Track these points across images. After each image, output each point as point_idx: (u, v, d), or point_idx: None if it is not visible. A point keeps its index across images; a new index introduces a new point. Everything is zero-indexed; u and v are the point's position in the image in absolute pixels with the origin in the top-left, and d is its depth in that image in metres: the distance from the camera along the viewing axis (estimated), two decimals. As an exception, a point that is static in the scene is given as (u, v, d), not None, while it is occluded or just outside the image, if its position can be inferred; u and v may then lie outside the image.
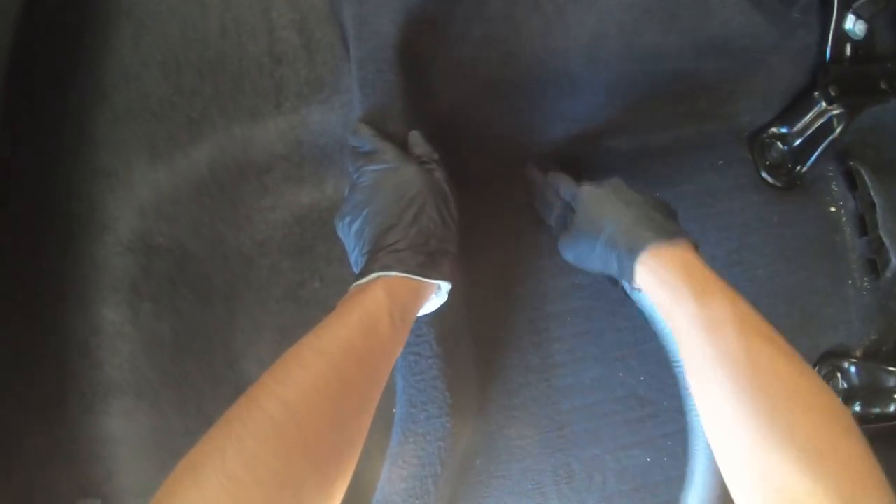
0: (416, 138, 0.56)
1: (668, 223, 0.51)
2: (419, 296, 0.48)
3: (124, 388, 0.66)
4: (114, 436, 0.66)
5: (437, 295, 0.51)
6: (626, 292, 0.53)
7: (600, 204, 0.53)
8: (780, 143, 0.75)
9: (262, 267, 0.69)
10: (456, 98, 0.64)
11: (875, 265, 0.76)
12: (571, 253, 0.56)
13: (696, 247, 0.49)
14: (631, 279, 0.49)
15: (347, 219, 0.51)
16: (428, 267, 0.47)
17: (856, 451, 0.37)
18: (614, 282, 0.54)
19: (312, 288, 0.69)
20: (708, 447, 0.50)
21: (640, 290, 0.49)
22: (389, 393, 0.59)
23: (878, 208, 0.75)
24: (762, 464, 0.37)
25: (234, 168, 0.68)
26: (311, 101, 0.66)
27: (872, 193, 0.74)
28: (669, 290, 0.45)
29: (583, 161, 0.69)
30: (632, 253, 0.48)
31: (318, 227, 0.69)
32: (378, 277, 0.45)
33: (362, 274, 0.46)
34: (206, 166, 0.68)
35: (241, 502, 0.31)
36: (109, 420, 0.66)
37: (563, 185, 0.59)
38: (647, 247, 0.47)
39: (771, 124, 0.76)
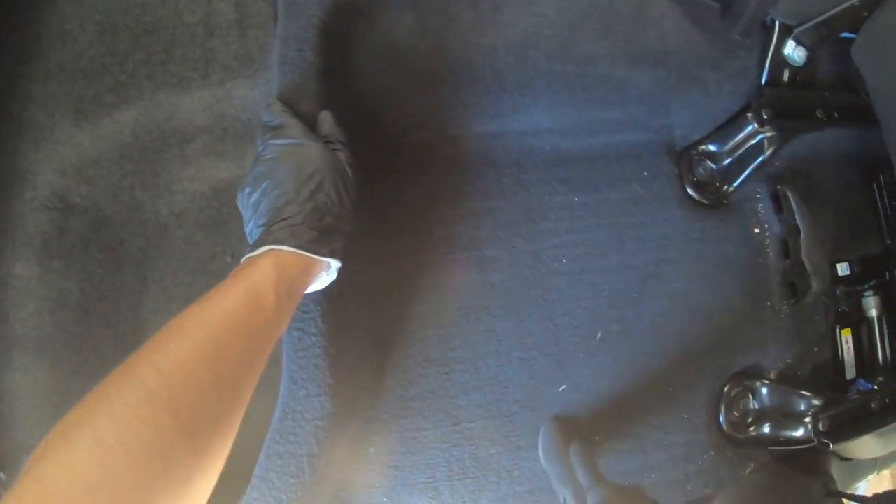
0: (325, 117, 0.56)
1: None
2: (308, 272, 0.48)
3: (26, 343, 0.66)
4: (13, 390, 0.66)
5: (326, 273, 0.52)
6: None
7: None
8: (709, 161, 0.75)
9: (176, 237, 0.69)
10: (380, 84, 0.64)
11: (795, 289, 0.76)
12: None
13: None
14: None
15: (247, 190, 0.51)
16: (320, 243, 0.48)
17: None
18: None
19: (224, 262, 0.68)
20: None
21: None
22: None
23: (802, 234, 0.75)
24: None
25: (158, 134, 0.68)
26: (238, 75, 0.66)
27: (798, 219, 0.75)
28: None
29: (503, 157, 0.69)
30: None
31: (235, 202, 0.69)
32: (269, 251, 0.45)
33: (255, 246, 0.46)
34: (129, 130, 0.68)
35: (108, 468, 0.31)
36: (10, 374, 0.66)
37: (584, 469, 0.60)
38: None
39: (702, 141, 0.76)
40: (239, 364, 0.41)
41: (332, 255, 0.49)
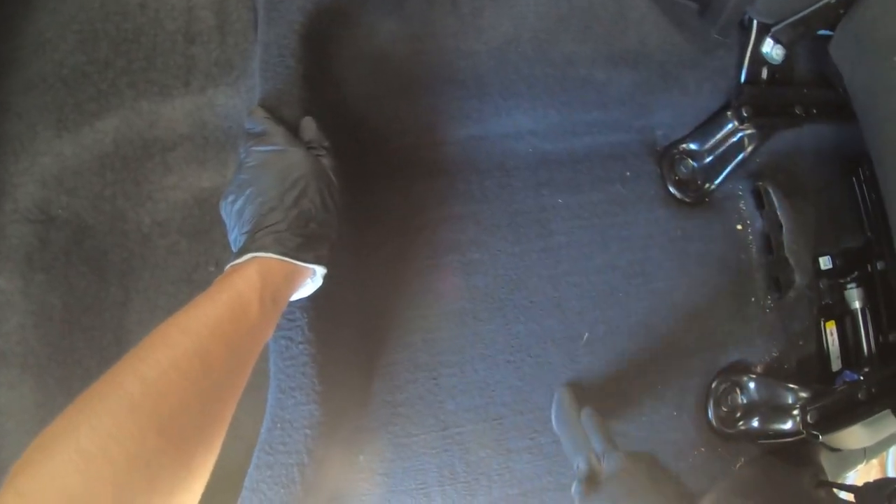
0: (308, 124, 0.56)
1: None
2: (293, 279, 0.48)
3: (10, 358, 0.65)
4: (-2, 407, 0.65)
5: (312, 279, 0.52)
6: None
7: (633, 483, 0.54)
8: (690, 160, 0.76)
9: (159, 247, 0.68)
10: (362, 89, 0.64)
11: (779, 284, 0.77)
12: None
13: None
14: None
15: (231, 197, 0.51)
16: (305, 249, 0.48)
17: None
18: None
19: (207, 272, 0.68)
20: None
21: None
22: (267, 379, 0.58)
23: (784, 229, 0.76)
24: None
25: (139, 143, 0.67)
26: (219, 82, 0.65)
27: (780, 214, 0.76)
28: None
29: (486, 161, 0.69)
30: None
31: (218, 211, 0.68)
32: (253, 258, 0.45)
33: (239, 253, 0.46)
34: (111, 139, 0.67)
35: (91, 479, 0.31)
36: (-6, 390, 0.65)
37: (598, 435, 0.60)
38: None
39: (683, 140, 0.77)
40: (224, 372, 0.40)
41: (317, 262, 0.49)
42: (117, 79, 0.67)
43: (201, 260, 0.68)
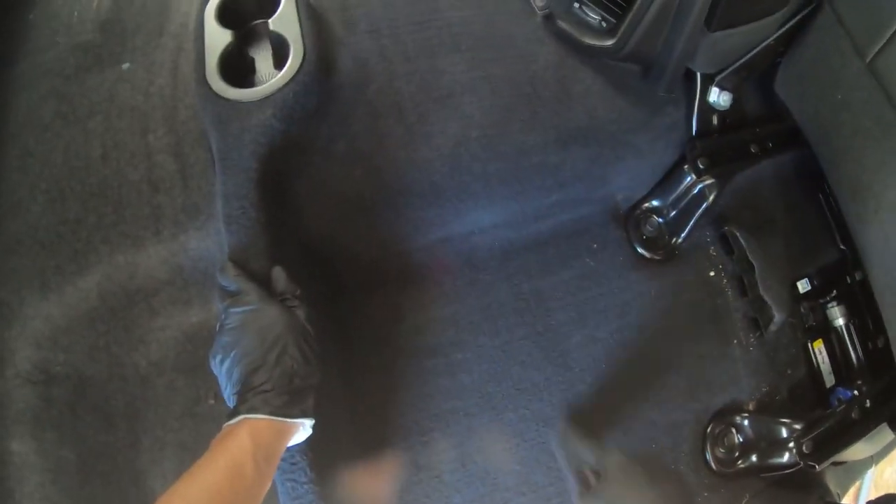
0: (278, 275, 0.59)
1: None
2: (283, 435, 0.52)
3: (35, 517, 0.68)
4: (26, 565, 0.69)
5: (303, 428, 0.55)
6: None
7: (628, 483, 0.58)
8: (655, 217, 0.78)
9: (158, 386, 0.71)
10: (323, 217, 0.66)
11: (758, 324, 0.79)
12: None
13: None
14: None
15: (218, 357, 0.54)
16: (291, 405, 0.51)
17: None
18: None
19: (207, 404, 0.71)
20: None
21: None
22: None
23: (756, 269, 0.77)
24: None
25: (122, 295, 0.70)
26: (188, 227, 0.68)
27: (749, 255, 0.77)
28: None
29: (454, 261, 0.71)
30: None
31: (209, 343, 0.70)
32: (244, 419, 0.49)
33: (231, 414, 0.50)
34: (95, 295, 0.70)
35: None
36: (22, 549, 0.68)
37: (588, 444, 0.64)
38: None
39: (644, 199, 0.78)
40: None
41: (303, 416, 0.53)
42: (91, 236, 0.69)
43: (200, 393, 0.71)
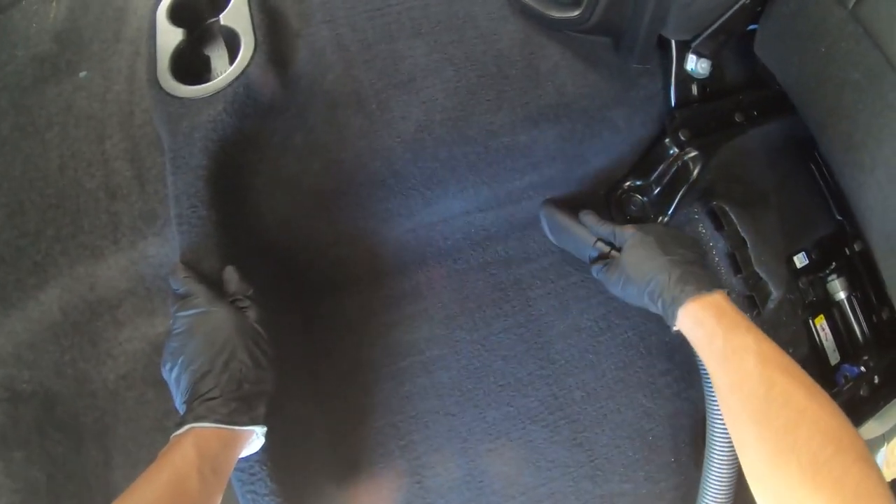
0: (229, 275, 0.56)
1: (706, 275, 0.56)
2: (232, 445, 0.49)
3: (6, 540, 0.66)
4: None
5: (256, 437, 0.52)
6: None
7: (647, 254, 0.58)
8: (638, 195, 0.74)
9: (128, 399, 0.69)
10: (283, 213, 0.63)
11: (755, 301, 0.75)
12: (618, 291, 0.61)
13: (728, 292, 0.55)
14: (672, 321, 0.55)
15: (168, 365, 0.52)
16: (239, 413, 0.48)
17: (865, 475, 0.39)
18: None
19: (178, 417, 0.68)
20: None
21: (678, 329, 0.55)
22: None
23: (748, 245, 0.73)
24: (772, 480, 0.42)
25: (85, 307, 0.68)
26: (147, 233, 0.65)
27: (741, 231, 0.73)
28: (703, 329, 0.52)
29: (426, 251, 0.68)
30: (675, 302, 0.54)
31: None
32: (190, 429, 0.46)
33: (178, 424, 0.47)
34: (57, 308, 0.68)
35: None
36: (-7, 577, 0.66)
37: (600, 224, 0.64)
38: (689, 299, 0.53)
39: (626, 178, 0.74)
40: None
41: (253, 423, 0.49)
42: (50, 248, 0.67)
43: (170, 406, 0.68)
